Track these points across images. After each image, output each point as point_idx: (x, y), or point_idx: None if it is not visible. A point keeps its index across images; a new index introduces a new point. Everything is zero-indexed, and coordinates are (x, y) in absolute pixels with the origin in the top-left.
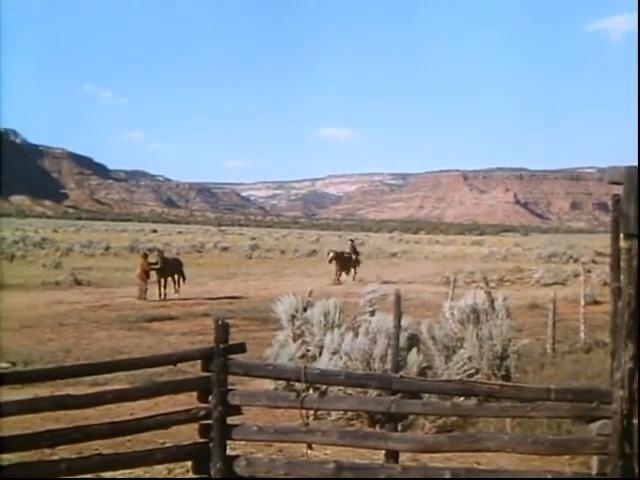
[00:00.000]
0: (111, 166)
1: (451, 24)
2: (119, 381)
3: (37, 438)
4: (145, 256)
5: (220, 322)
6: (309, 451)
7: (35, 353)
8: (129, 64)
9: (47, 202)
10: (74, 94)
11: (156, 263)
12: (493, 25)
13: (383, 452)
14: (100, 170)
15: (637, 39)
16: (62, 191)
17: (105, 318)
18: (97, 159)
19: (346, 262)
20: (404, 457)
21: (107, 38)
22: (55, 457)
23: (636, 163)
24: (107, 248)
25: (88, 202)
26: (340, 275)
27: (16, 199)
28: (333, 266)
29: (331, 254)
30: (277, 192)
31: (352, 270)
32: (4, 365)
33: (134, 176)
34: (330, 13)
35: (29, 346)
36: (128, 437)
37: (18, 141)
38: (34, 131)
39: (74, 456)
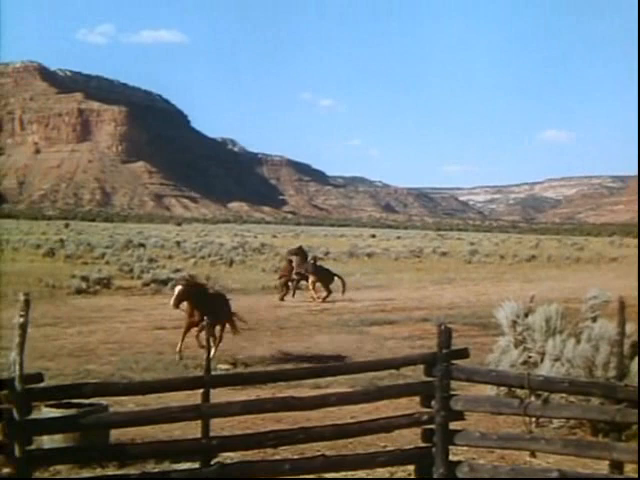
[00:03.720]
0: (330, 172)
1: None
2: (340, 384)
3: (261, 438)
4: (290, 261)
5: (443, 327)
6: (532, 459)
7: (256, 355)
8: (348, 72)
9: (266, 208)
10: (293, 102)
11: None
12: None
13: (606, 462)
14: (319, 176)
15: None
16: (281, 197)
17: (325, 322)
18: (315, 166)
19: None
20: (628, 468)
21: (326, 47)
22: (277, 457)
23: None
24: (326, 253)
25: (307, 208)
26: None
27: (235, 205)
28: None
29: None
30: (495, 196)
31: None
32: (225, 367)
33: (352, 182)
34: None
35: (249, 349)
36: (350, 440)
37: (236, 149)
38: (253, 140)
39: (297, 457)
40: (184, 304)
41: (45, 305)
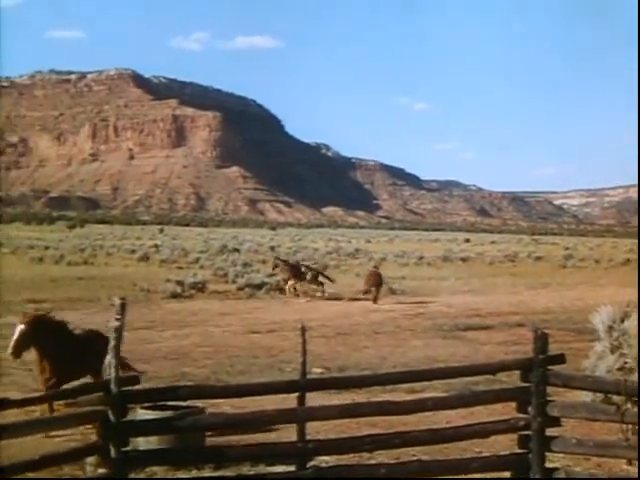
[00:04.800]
0: (423, 177)
1: None
2: (434, 389)
3: (357, 442)
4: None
5: (538, 333)
6: (628, 467)
7: (351, 360)
8: (442, 75)
9: (360, 213)
10: (387, 106)
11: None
12: None
13: None
14: (413, 181)
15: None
16: (375, 202)
17: (420, 326)
18: (409, 170)
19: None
20: None
21: (421, 50)
22: (373, 461)
23: None
24: (420, 257)
25: (401, 212)
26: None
27: (329, 210)
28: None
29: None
30: (590, 200)
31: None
32: (319, 370)
33: (447, 186)
34: None
35: (344, 353)
36: (445, 445)
37: (330, 154)
38: (347, 144)
39: (392, 461)
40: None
41: (140, 309)
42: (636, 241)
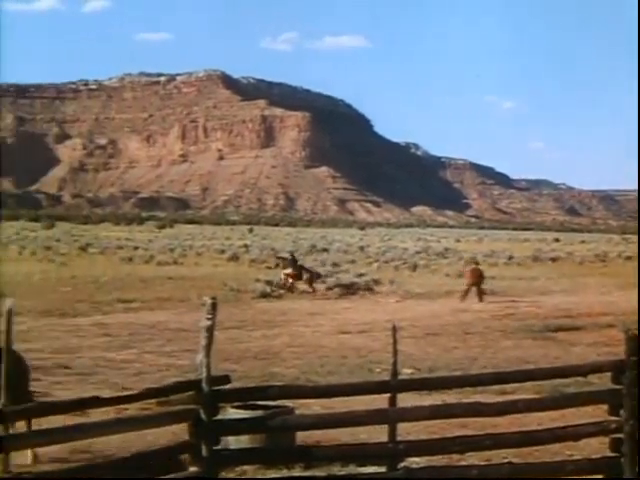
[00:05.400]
0: (513, 175)
1: None
2: (525, 390)
3: (448, 444)
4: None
5: (630, 334)
6: None
7: (440, 360)
8: (530, 73)
9: (449, 212)
10: (476, 105)
11: None
12: None
13: None
14: (502, 180)
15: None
16: (464, 201)
17: (510, 327)
18: (499, 169)
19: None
20: None
21: (507, 49)
22: (464, 463)
23: None
24: (510, 257)
25: (490, 212)
26: None
27: (418, 210)
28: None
29: None
30: None
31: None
32: (409, 371)
33: (536, 185)
34: None
35: (434, 353)
36: (536, 447)
37: (419, 153)
38: (436, 143)
39: (483, 463)
40: None
41: (230, 309)
42: None
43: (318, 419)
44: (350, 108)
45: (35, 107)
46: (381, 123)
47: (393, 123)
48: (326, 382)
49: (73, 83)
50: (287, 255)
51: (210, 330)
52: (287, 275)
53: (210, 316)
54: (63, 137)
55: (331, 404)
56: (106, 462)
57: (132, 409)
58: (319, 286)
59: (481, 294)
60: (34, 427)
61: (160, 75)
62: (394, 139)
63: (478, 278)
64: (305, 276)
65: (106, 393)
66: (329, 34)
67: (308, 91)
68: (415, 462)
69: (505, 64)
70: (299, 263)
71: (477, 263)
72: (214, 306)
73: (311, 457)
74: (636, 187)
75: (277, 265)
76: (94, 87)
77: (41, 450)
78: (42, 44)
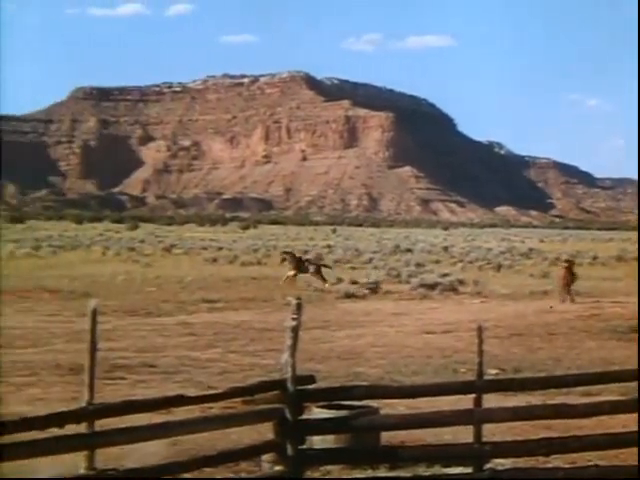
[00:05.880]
0: (597, 174)
1: None
2: (610, 392)
3: (534, 446)
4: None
5: None
6: None
7: (525, 361)
8: (614, 72)
9: (533, 212)
10: (559, 103)
11: None
12: None
13: None
14: (586, 179)
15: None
16: (548, 201)
17: (594, 328)
18: (583, 167)
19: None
20: None
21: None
22: (549, 465)
23: None
24: (594, 257)
25: (574, 211)
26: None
27: (502, 210)
28: None
29: None
30: None
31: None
32: (494, 372)
33: (621, 184)
34: None
35: (519, 354)
36: (622, 450)
37: (503, 152)
38: (519, 142)
39: (568, 465)
40: None
41: (314, 309)
42: None
43: (403, 419)
44: (433, 108)
45: (119, 110)
46: (464, 122)
47: (476, 122)
48: (410, 382)
49: (157, 86)
50: (290, 252)
51: (295, 330)
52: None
53: (295, 316)
54: (147, 139)
55: (415, 404)
56: (191, 460)
57: (216, 408)
58: (402, 286)
59: (572, 294)
60: (120, 425)
61: (243, 77)
62: (477, 138)
63: (570, 279)
64: (311, 269)
65: (191, 392)
66: (413, 34)
67: (391, 91)
68: (500, 464)
69: (587, 61)
70: (304, 258)
71: (571, 262)
72: (299, 306)
73: (396, 457)
74: None
75: (283, 260)
76: (178, 89)
77: (126, 447)
78: (126, 48)
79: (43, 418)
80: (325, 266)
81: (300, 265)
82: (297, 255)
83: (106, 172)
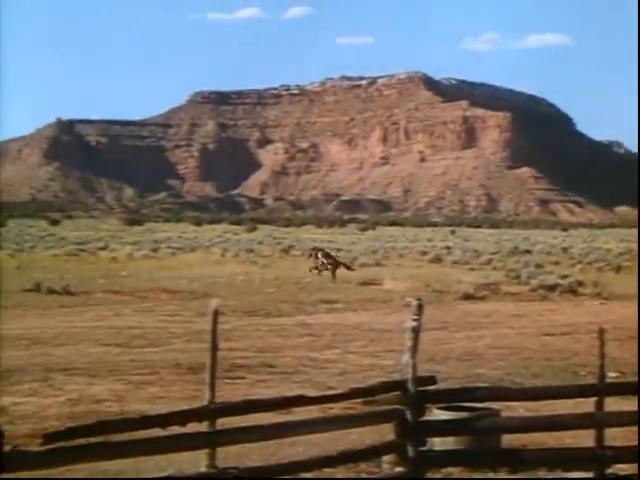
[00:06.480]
0: None
1: None
2: None
3: None
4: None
5: None
6: None
7: None
8: None
9: None
10: None
11: None
12: None
13: None
14: None
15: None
16: None
17: None
18: None
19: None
20: None
21: None
22: None
23: None
24: None
25: None
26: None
27: (621, 210)
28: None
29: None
30: None
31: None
32: (613, 374)
33: None
34: None
35: None
36: None
37: (622, 152)
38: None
39: None
40: None
41: (433, 310)
42: None
43: (525, 422)
44: (552, 107)
45: (237, 113)
46: (583, 122)
47: (595, 122)
48: (530, 384)
49: (275, 89)
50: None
51: (416, 331)
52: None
53: (416, 317)
54: (265, 142)
55: (534, 407)
56: (311, 460)
57: (336, 408)
58: (522, 288)
59: None
60: (241, 424)
61: (361, 78)
62: (596, 138)
63: None
64: (329, 264)
65: (310, 392)
66: (532, 32)
67: (510, 91)
68: (621, 469)
69: None
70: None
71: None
72: (420, 307)
73: (517, 461)
74: None
75: (310, 255)
76: (296, 92)
77: (246, 446)
78: (244, 52)
79: (164, 416)
80: (348, 268)
81: (326, 261)
82: (325, 252)
83: (224, 175)
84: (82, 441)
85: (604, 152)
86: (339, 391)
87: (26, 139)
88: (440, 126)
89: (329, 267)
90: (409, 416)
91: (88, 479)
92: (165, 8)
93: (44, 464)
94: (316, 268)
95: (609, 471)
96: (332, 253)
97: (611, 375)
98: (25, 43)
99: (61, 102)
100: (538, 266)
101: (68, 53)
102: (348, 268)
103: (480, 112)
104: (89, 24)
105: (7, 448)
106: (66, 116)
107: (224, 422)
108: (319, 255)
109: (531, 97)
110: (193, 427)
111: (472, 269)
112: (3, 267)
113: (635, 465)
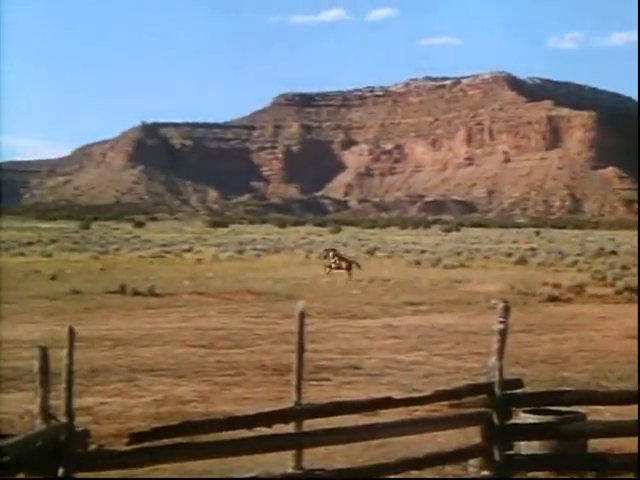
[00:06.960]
0: None
1: None
2: None
3: None
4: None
5: None
6: None
7: None
8: None
9: None
10: None
11: None
12: None
13: None
14: None
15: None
16: None
17: None
18: None
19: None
20: None
21: None
22: None
23: None
24: None
25: None
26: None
27: None
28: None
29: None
30: None
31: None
32: None
33: None
34: None
35: None
36: None
37: None
38: None
39: None
40: None
41: (517, 312)
42: None
43: (612, 426)
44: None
45: (321, 115)
46: None
47: None
48: (616, 388)
49: (359, 90)
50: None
51: (502, 333)
52: (331, 263)
53: (502, 319)
54: (349, 143)
55: (620, 411)
56: (398, 462)
57: (422, 410)
58: (607, 290)
59: None
60: (327, 425)
61: (445, 79)
62: None
63: None
64: (343, 265)
65: (396, 394)
66: (618, 30)
67: (595, 90)
68: None
69: None
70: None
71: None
72: (507, 309)
73: (604, 465)
74: None
75: (325, 256)
76: (380, 93)
77: (332, 448)
78: (328, 53)
79: (251, 417)
80: (357, 265)
81: (338, 260)
82: (336, 253)
83: (309, 176)
84: (167, 441)
85: None
86: (425, 393)
87: (110, 142)
88: (524, 126)
89: (343, 266)
90: (495, 419)
91: (174, 479)
92: (247, 10)
93: (130, 463)
94: (329, 267)
95: None
96: (343, 254)
97: None
98: (112, 47)
99: (146, 106)
100: (624, 267)
101: (153, 57)
102: (358, 266)
103: (565, 111)
104: (173, 28)
105: (93, 447)
106: (151, 119)
107: (310, 424)
108: (330, 255)
109: (616, 95)
110: (279, 428)
111: (557, 271)
112: (87, 269)
113: None
